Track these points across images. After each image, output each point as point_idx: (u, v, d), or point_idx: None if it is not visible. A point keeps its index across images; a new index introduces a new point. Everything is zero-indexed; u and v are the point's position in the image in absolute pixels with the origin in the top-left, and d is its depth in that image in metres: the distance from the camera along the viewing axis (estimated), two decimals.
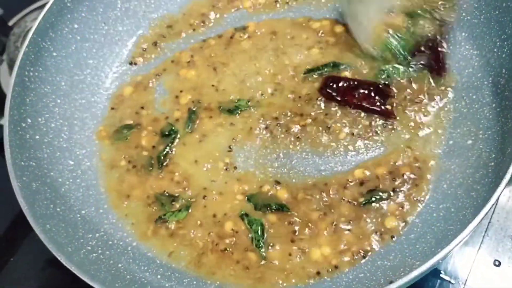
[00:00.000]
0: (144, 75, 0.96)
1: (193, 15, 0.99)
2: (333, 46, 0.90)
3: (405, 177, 0.77)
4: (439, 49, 0.80)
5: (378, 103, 0.82)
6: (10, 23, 1.17)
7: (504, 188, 0.63)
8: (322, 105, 0.84)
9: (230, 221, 0.79)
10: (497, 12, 0.79)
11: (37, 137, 0.83)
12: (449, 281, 0.78)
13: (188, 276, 0.76)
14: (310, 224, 0.76)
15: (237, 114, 0.87)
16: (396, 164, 0.79)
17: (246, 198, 0.80)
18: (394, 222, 0.74)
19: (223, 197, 0.81)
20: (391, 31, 0.81)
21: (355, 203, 0.77)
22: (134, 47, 0.98)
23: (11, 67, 1.09)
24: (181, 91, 0.92)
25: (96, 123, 0.91)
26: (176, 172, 0.84)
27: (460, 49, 0.84)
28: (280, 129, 0.84)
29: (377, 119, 0.82)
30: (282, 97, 0.87)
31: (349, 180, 0.78)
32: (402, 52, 0.82)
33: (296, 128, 0.83)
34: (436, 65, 0.81)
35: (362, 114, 0.83)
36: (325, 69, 0.87)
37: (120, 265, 0.76)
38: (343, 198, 0.78)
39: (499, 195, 0.63)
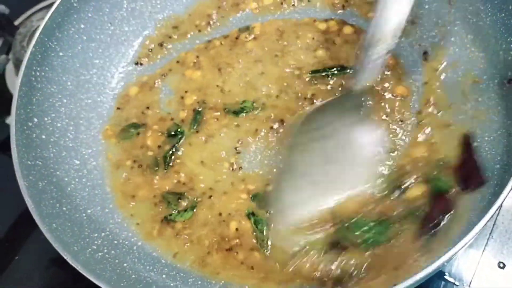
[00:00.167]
0: (149, 75, 0.96)
1: (199, 16, 1.00)
2: (340, 48, 0.90)
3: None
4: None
5: None
6: (16, 23, 1.18)
7: (510, 190, 0.63)
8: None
9: (234, 221, 0.79)
10: (503, 14, 0.78)
11: (44, 136, 0.83)
12: (454, 283, 0.78)
13: (193, 276, 0.77)
14: None
15: (243, 116, 0.87)
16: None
17: (251, 197, 0.81)
18: None
19: (228, 196, 0.81)
20: None
21: None
22: (140, 48, 0.98)
23: (17, 66, 1.10)
24: (186, 92, 0.92)
25: (102, 122, 0.91)
26: (181, 172, 0.84)
27: (466, 52, 0.83)
28: (285, 131, 0.84)
29: None
30: (287, 99, 0.87)
31: None
32: None
33: None
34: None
35: None
36: (331, 72, 0.87)
37: (125, 264, 0.76)
38: None
39: (505, 198, 0.63)
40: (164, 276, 0.76)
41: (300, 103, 0.86)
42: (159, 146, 0.88)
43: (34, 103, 0.83)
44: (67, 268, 0.67)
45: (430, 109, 0.82)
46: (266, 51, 0.93)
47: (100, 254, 0.75)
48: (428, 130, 0.80)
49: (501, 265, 0.79)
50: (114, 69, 0.96)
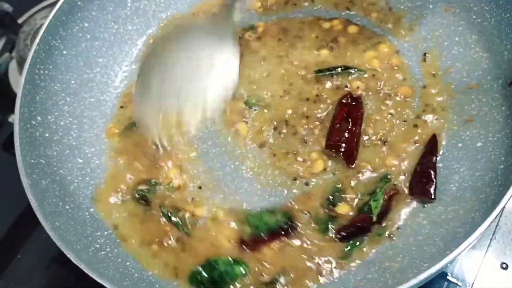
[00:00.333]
0: None
1: (203, 15, 0.99)
2: (344, 47, 0.90)
3: None
4: None
5: None
6: (20, 21, 1.18)
7: None
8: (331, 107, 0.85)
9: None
10: (508, 15, 0.78)
11: (47, 135, 0.83)
12: (456, 284, 0.78)
13: None
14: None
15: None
16: None
17: None
18: None
19: None
20: None
21: None
22: (144, 46, 0.98)
23: (20, 64, 1.10)
24: None
25: (105, 121, 0.91)
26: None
27: (470, 52, 0.84)
28: (288, 131, 0.84)
29: None
30: (291, 98, 0.87)
31: None
32: None
33: (304, 131, 0.83)
34: None
35: None
36: (336, 71, 0.87)
37: (128, 263, 0.76)
38: None
39: (509, 199, 0.63)
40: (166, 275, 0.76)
41: (304, 103, 0.86)
42: None
43: (37, 101, 0.83)
44: (68, 267, 0.67)
45: (429, 110, 0.82)
46: (270, 51, 0.93)
47: (103, 252, 0.75)
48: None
49: (504, 266, 0.79)
50: (118, 68, 0.96)
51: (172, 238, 0.78)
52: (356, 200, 0.77)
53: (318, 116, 0.84)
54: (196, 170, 0.84)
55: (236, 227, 0.78)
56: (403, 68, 0.86)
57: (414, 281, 0.60)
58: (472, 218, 0.68)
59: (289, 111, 0.85)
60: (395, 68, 0.86)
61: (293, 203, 0.78)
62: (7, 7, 1.09)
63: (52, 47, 0.86)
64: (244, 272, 0.74)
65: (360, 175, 0.79)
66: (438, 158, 0.78)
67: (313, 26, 0.93)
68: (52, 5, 0.86)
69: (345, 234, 0.75)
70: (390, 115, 0.82)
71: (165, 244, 0.78)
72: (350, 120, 0.80)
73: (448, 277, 0.78)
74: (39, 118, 0.82)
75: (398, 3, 0.92)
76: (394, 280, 0.68)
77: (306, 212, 0.77)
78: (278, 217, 0.78)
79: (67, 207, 0.78)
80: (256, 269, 0.74)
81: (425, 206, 0.75)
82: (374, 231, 0.74)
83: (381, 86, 0.85)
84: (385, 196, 0.75)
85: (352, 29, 0.92)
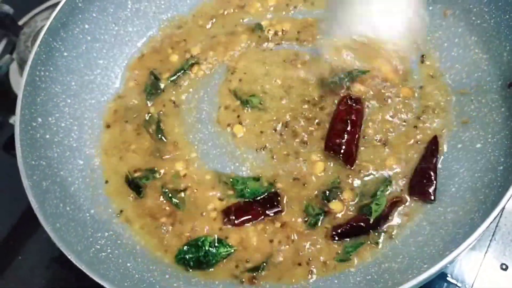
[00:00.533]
0: None
1: (203, 16, 1.00)
2: None
3: None
4: None
5: None
6: (20, 23, 1.18)
7: None
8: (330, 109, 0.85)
9: None
10: (507, 16, 0.79)
11: (48, 136, 0.83)
12: (456, 285, 0.78)
13: (196, 276, 0.77)
14: None
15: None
16: None
17: None
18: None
19: None
20: None
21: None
22: (144, 48, 0.98)
23: (21, 66, 1.10)
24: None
25: (105, 122, 0.91)
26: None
27: (470, 53, 0.84)
28: (288, 132, 0.84)
29: None
30: (292, 100, 0.87)
31: None
32: None
33: (304, 133, 0.84)
34: None
35: None
36: (337, 75, 0.86)
37: (128, 264, 0.76)
38: None
39: (508, 200, 0.63)
40: (167, 276, 0.76)
41: (305, 106, 0.86)
42: None
43: (38, 103, 0.83)
44: (69, 267, 0.67)
45: (429, 111, 0.82)
46: (271, 52, 0.93)
47: (103, 253, 0.75)
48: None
49: (504, 266, 0.79)
50: (118, 69, 0.96)
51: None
52: (352, 202, 0.77)
53: (318, 117, 0.84)
54: (196, 170, 0.84)
55: (221, 192, 0.81)
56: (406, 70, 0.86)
57: (413, 282, 0.60)
58: (471, 219, 0.68)
59: (289, 113, 0.85)
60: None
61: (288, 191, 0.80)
62: (7, 8, 1.09)
63: (53, 48, 0.87)
64: (228, 252, 0.76)
65: (360, 175, 0.79)
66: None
67: (314, 27, 0.93)
68: (53, 6, 0.87)
69: (340, 232, 0.75)
70: (390, 116, 0.83)
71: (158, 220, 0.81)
72: (349, 121, 0.80)
73: (447, 278, 0.78)
74: (39, 119, 0.83)
75: None
76: (394, 280, 0.68)
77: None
78: (263, 183, 0.80)
79: (68, 208, 0.78)
80: (241, 252, 0.76)
81: (425, 206, 0.75)
82: (371, 233, 0.74)
83: (381, 87, 0.85)
84: (388, 203, 0.75)
85: None
